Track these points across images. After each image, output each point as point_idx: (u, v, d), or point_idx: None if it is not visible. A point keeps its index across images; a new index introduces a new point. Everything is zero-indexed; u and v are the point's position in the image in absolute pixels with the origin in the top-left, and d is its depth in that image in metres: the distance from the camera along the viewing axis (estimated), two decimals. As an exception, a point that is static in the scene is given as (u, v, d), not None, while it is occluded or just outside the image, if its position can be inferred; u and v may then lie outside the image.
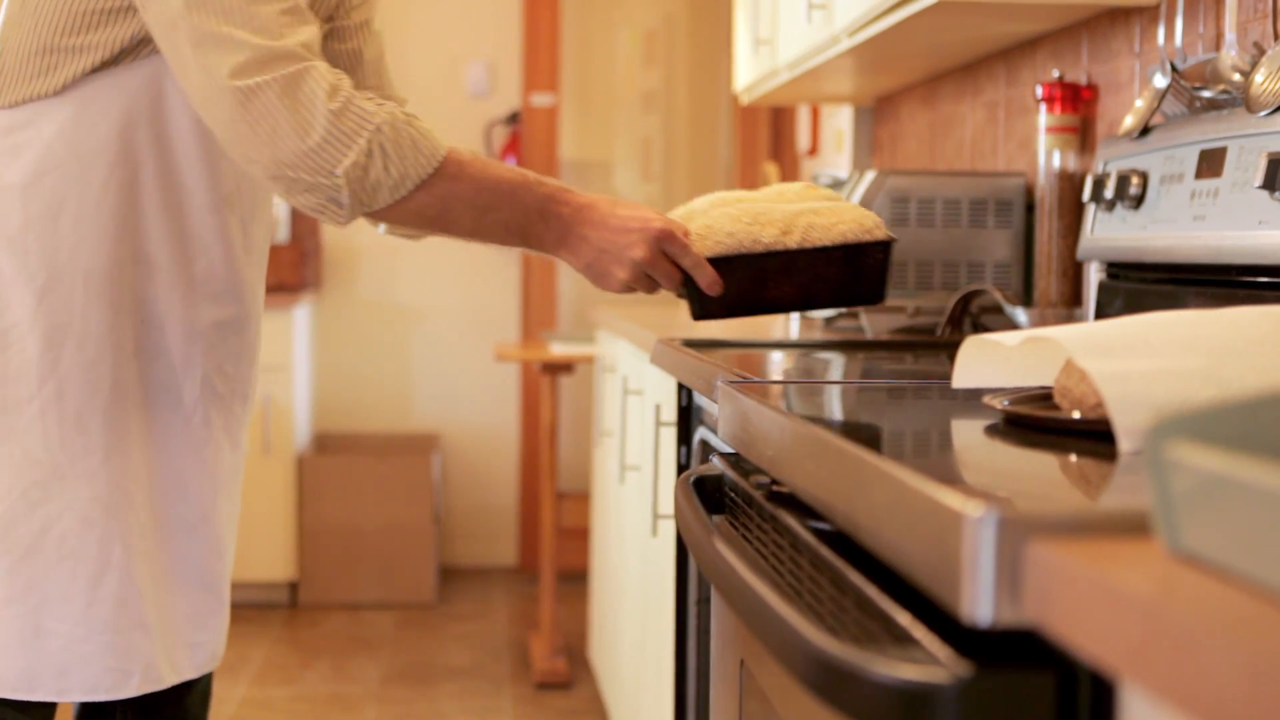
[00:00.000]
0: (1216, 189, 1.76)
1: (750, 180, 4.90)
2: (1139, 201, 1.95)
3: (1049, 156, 2.34)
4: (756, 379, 1.42)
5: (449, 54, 4.99)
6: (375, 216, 1.49)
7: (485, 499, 5.07)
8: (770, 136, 4.83)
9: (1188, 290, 1.83)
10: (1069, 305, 2.33)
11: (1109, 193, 2.00)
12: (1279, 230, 1.60)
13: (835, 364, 1.89)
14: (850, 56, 2.76)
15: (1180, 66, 1.94)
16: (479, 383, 5.04)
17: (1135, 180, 1.96)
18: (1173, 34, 1.98)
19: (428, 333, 5.03)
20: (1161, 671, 0.55)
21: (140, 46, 1.48)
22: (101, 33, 1.46)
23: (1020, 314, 2.23)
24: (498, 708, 3.58)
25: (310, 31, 1.41)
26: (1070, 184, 2.31)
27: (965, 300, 2.33)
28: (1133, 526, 0.68)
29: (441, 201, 1.44)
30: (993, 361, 1.15)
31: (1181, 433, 0.63)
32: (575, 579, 4.48)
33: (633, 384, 2.71)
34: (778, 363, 1.88)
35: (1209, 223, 1.76)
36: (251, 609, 4.47)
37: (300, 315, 4.59)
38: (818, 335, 2.52)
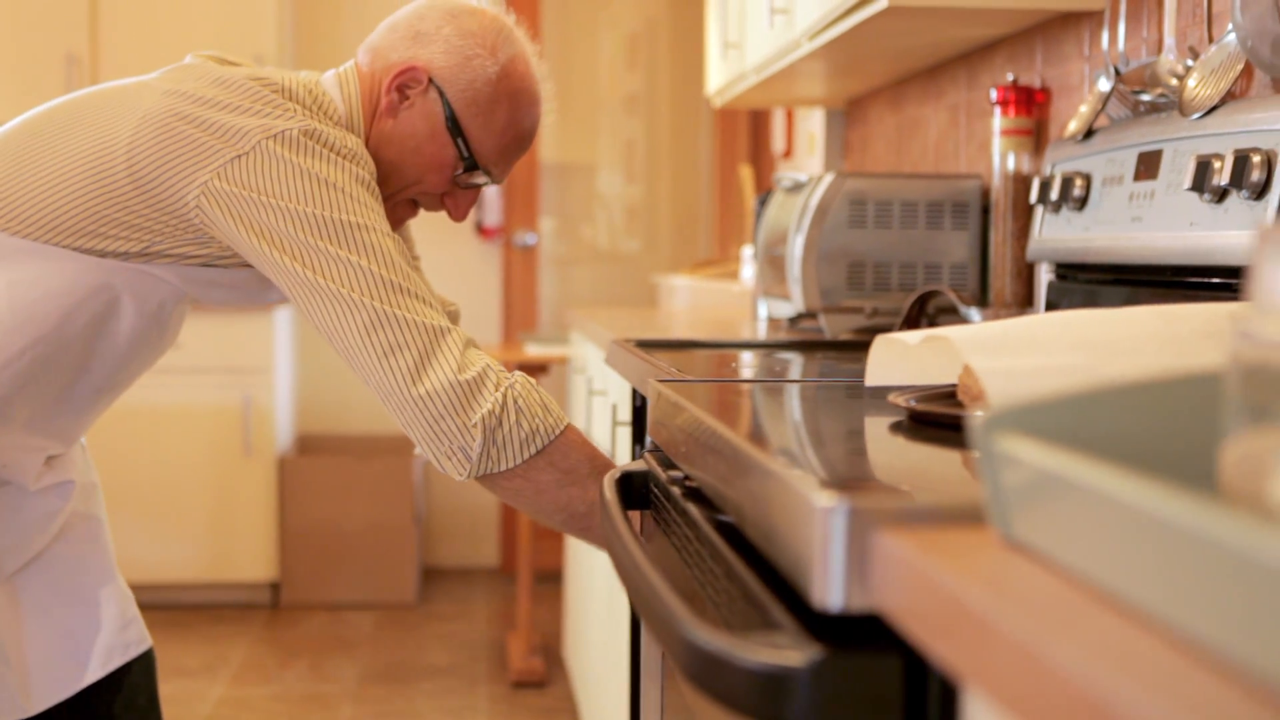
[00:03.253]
0: (1153, 191, 1.79)
1: (729, 182, 4.93)
2: (1083, 203, 1.98)
3: (1003, 159, 2.37)
4: (680, 378, 1.45)
5: (430, 57, 5.01)
6: (495, 482, 1.46)
7: (467, 500, 5.10)
8: (749, 139, 4.86)
9: (1128, 290, 1.86)
10: (1023, 306, 2.36)
11: (1054, 195, 2.03)
12: (1208, 231, 1.62)
13: (781, 363, 1.92)
14: (817, 60, 2.79)
15: (1123, 70, 1.97)
16: (461, 384, 5.06)
17: (1079, 182, 1.99)
18: (1116, 38, 2.01)
19: (410, 335, 5.05)
20: (984, 662, 0.58)
21: (129, 258, 1.46)
22: (105, 239, 1.44)
23: (974, 314, 2.25)
24: (473, 707, 3.60)
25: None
26: (1024, 186, 2.34)
27: (921, 301, 2.36)
28: (977, 517, 0.71)
29: (564, 474, 1.44)
30: (903, 360, 1.18)
31: (1012, 426, 0.66)
32: (554, 579, 4.50)
33: (596, 384, 2.75)
34: (726, 363, 1.90)
35: (1145, 224, 1.78)
36: (233, 609, 4.50)
37: (281, 318, 4.62)
38: (782, 336, 2.55)
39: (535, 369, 3.83)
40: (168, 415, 4.36)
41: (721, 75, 3.44)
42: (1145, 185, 1.81)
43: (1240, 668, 0.47)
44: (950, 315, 2.36)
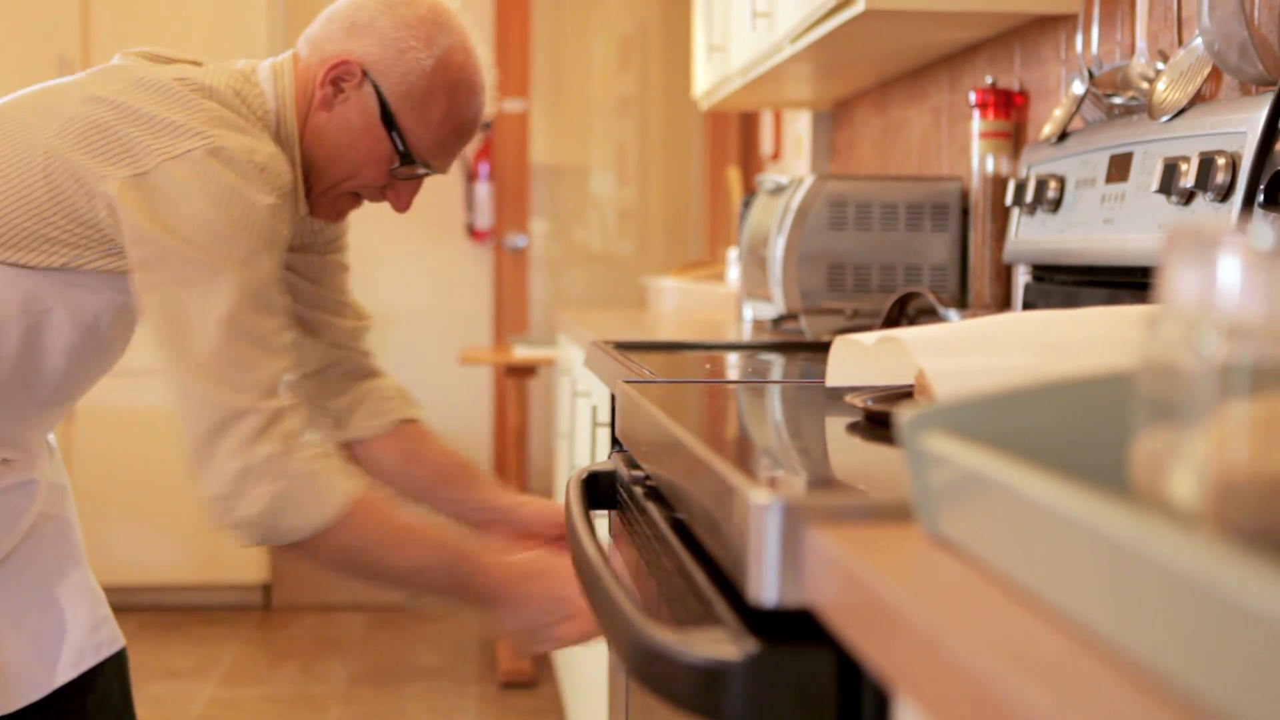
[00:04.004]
0: (1123, 193, 1.80)
1: (719, 184, 4.95)
2: (1057, 205, 1.99)
3: (982, 161, 2.39)
4: (646, 379, 1.46)
5: (422, 60, 5.03)
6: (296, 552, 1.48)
7: (459, 501, 5.11)
8: (739, 141, 4.87)
9: (1108, 292, 1.87)
10: (1002, 307, 2.37)
11: (1029, 197, 2.05)
12: (1176, 233, 1.64)
13: (753, 364, 1.93)
14: (802, 63, 2.81)
15: (1096, 73, 1.98)
16: (452, 386, 5.08)
17: (1053, 185, 2.00)
18: (1089, 42, 2.02)
19: (402, 337, 5.07)
20: (895, 655, 0.59)
21: (57, 270, 1.46)
22: (29, 253, 1.45)
23: (953, 316, 2.27)
24: (461, 707, 3.62)
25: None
26: (1002, 188, 2.36)
27: (901, 302, 2.37)
28: (909, 514, 0.72)
29: (350, 551, 1.45)
30: (862, 361, 1.20)
31: (937, 425, 0.67)
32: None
33: (580, 386, 2.76)
34: (700, 364, 1.92)
35: (1117, 226, 1.80)
36: (224, 611, 4.52)
37: (273, 320, 4.63)
38: (763, 338, 2.56)
39: (523, 371, 3.84)
40: (159, 416, 4.37)
41: (707, 78, 3.46)
42: (1117, 187, 1.82)
43: (1138, 664, 0.49)
44: (930, 317, 2.37)
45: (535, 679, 3.79)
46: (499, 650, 3.95)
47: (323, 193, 1.62)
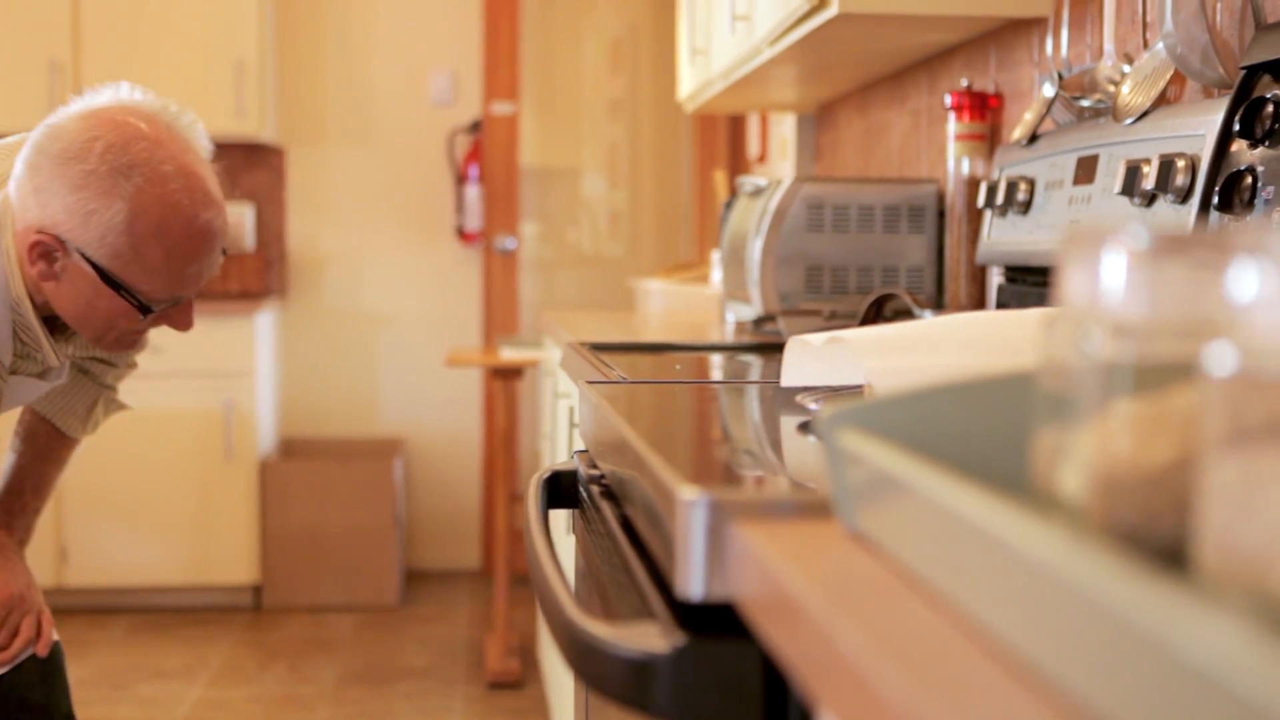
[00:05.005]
0: (1090, 195, 1.82)
1: (708, 186, 4.96)
2: (1027, 207, 2.01)
3: (958, 163, 2.40)
4: (610, 380, 1.48)
5: (413, 64, 5.05)
6: None
7: (449, 503, 5.13)
8: (728, 144, 4.89)
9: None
10: (976, 308, 2.39)
11: (1000, 199, 2.07)
12: (1139, 235, 1.65)
13: (722, 366, 1.95)
14: (785, 65, 2.82)
15: (1066, 76, 2.00)
16: (442, 388, 5.10)
17: (1024, 187, 2.02)
18: (1059, 45, 2.04)
19: (392, 338, 5.09)
20: (800, 647, 0.61)
21: None
22: None
23: (929, 317, 2.29)
24: (448, 707, 3.63)
25: None
26: (977, 190, 2.37)
27: (878, 304, 2.39)
28: (831, 510, 0.74)
29: None
30: (816, 361, 1.21)
31: (854, 423, 0.69)
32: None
33: (561, 387, 2.78)
34: (670, 365, 1.93)
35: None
36: (214, 612, 4.53)
37: (263, 322, 4.65)
38: (740, 339, 2.58)
39: (510, 373, 3.86)
40: (149, 419, 4.39)
41: (691, 81, 3.47)
42: (1083, 189, 1.84)
43: (1014, 654, 0.50)
44: (906, 318, 2.39)
45: (522, 679, 3.81)
46: (486, 651, 3.97)
47: (98, 340, 1.57)
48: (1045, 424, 0.60)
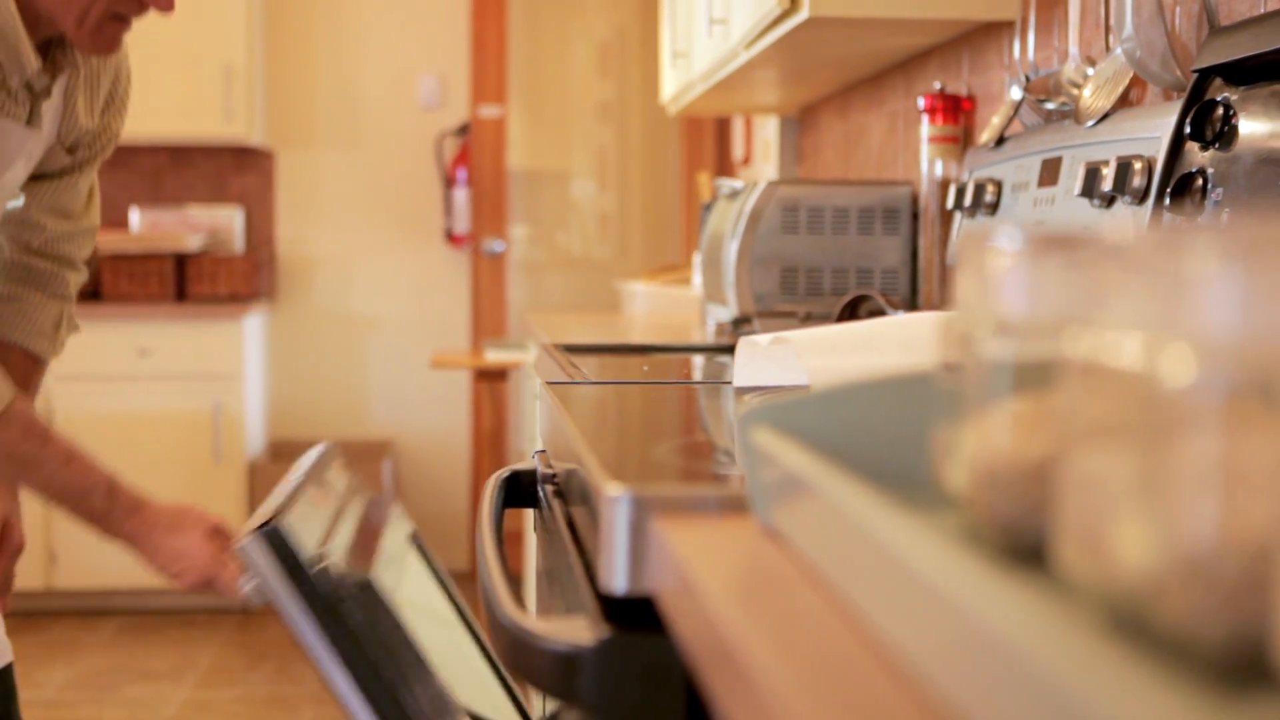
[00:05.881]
0: (1053, 196, 1.84)
1: (694, 189, 4.98)
2: (994, 209, 2.03)
3: (931, 165, 2.42)
4: (570, 380, 1.50)
5: (401, 67, 5.07)
6: None
7: (438, 504, 5.14)
8: (715, 146, 4.91)
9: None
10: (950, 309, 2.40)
11: (968, 200, 2.09)
12: (1099, 236, 1.67)
13: (693, 366, 1.97)
14: (764, 68, 2.84)
15: (1033, 79, 2.02)
16: (431, 390, 5.11)
17: (991, 188, 2.04)
18: (1026, 48, 2.06)
19: (381, 341, 5.11)
20: (697, 641, 0.63)
21: None
22: None
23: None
24: (433, 707, 3.65)
25: None
26: (950, 192, 2.39)
27: (852, 305, 2.41)
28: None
29: None
30: (766, 362, 1.23)
31: (768, 422, 0.71)
32: (517, 582, 4.55)
33: (538, 389, 2.79)
34: (642, 367, 1.95)
35: (1047, 229, 1.83)
36: (204, 614, 4.54)
37: (252, 324, 4.67)
38: (713, 340, 2.60)
39: (495, 375, 3.87)
40: (137, 422, 4.40)
41: (673, 83, 3.49)
42: (1048, 191, 1.86)
43: (895, 652, 0.52)
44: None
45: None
46: (473, 651, 3.98)
47: (78, 25, 1.51)
48: (941, 421, 0.62)
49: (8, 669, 1.75)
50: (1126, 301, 0.46)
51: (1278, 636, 0.37)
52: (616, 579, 0.76)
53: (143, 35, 4.72)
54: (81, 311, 4.54)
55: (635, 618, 0.78)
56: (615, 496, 0.76)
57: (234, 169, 5.00)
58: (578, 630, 0.78)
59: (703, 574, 0.62)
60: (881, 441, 0.69)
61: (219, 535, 1.61)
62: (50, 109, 1.64)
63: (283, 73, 5.03)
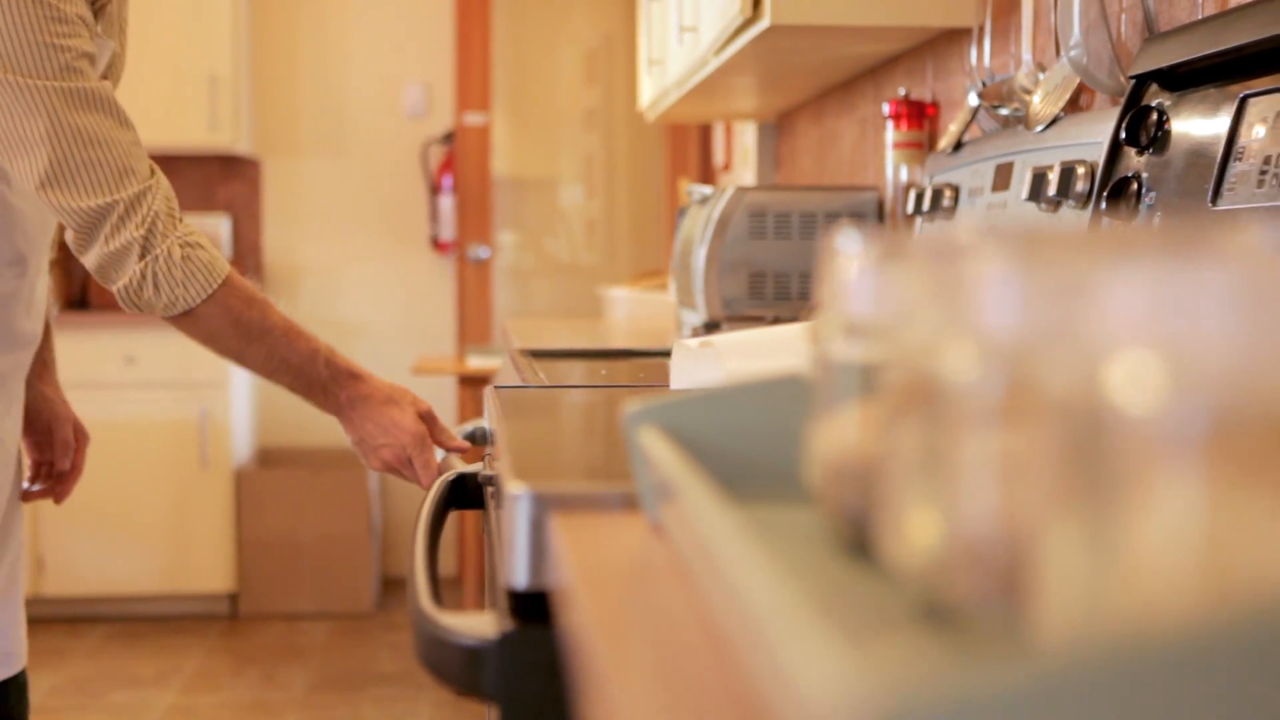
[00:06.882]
0: (1006, 201, 1.86)
1: (674, 194, 5.01)
2: (952, 214, 2.06)
3: (897, 171, 2.45)
4: (528, 384, 1.52)
5: (387, 75, 5.10)
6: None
7: (425, 510, 5.16)
8: (698, 153, 4.94)
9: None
10: (915, 313, 2.43)
11: (927, 205, 2.11)
12: (1046, 240, 1.69)
13: (658, 371, 1.99)
14: (738, 75, 2.87)
15: (989, 85, 2.04)
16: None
17: (948, 193, 2.06)
18: (983, 54, 2.08)
19: (368, 347, 5.13)
20: (580, 638, 0.65)
21: None
22: None
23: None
24: (415, 712, 3.67)
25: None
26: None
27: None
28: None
29: (209, 331, 1.52)
30: (700, 365, 1.25)
31: (652, 421, 0.73)
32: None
33: (513, 394, 2.82)
34: (600, 372, 1.98)
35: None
36: (190, 620, 4.57)
37: (238, 332, 4.69)
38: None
39: (477, 381, 3.90)
40: (124, 429, 4.43)
41: (649, 90, 3.52)
42: (1000, 196, 1.89)
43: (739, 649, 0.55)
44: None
45: (491, 684, 3.85)
46: (457, 656, 4.01)
47: None
48: (810, 420, 0.64)
49: (23, 676, 1.77)
50: (934, 303, 0.48)
51: (1032, 609, 0.40)
52: (518, 574, 0.79)
53: (128, 45, 4.73)
54: (68, 320, 4.54)
55: (543, 613, 0.81)
56: (516, 494, 0.79)
57: (220, 178, 5.03)
58: (483, 625, 0.81)
59: (577, 567, 0.64)
60: (758, 441, 0.71)
61: (429, 419, 1.60)
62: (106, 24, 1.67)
63: (268, 82, 5.05)
